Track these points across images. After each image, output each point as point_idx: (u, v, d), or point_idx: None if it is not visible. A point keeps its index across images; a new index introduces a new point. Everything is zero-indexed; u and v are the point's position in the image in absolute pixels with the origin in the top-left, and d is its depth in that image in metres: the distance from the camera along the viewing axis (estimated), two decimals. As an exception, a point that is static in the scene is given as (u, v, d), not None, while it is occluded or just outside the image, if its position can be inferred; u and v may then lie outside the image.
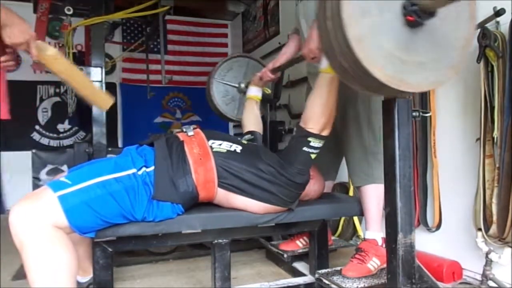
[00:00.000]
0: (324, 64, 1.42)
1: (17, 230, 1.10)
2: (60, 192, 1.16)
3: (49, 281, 1.10)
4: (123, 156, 1.36)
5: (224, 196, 1.43)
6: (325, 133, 1.44)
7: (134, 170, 1.28)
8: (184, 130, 1.50)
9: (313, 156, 1.44)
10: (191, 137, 1.45)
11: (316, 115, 1.43)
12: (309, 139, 1.42)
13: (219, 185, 1.40)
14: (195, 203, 1.42)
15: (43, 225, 1.11)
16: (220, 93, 2.31)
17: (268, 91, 2.20)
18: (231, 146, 1.46)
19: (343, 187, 2.56)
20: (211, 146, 1.43)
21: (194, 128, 1.52)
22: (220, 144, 1.45)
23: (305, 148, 1.42)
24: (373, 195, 1.66)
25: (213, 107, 2.33)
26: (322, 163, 1.84)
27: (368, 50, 0.91)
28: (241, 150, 1.47)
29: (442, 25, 1.00)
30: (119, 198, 1.22)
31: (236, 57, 2.43)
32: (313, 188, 1.65)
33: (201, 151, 1.40)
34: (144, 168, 1.31)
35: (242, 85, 2.27)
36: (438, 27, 0.99)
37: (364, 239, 1.72)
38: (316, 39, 1.54)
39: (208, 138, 1.47)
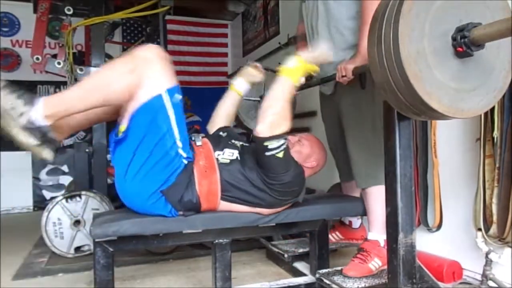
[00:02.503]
0: (291, 63, 1.40)
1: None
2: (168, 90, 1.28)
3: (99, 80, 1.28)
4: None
5: (227, 208, 1.46)
6: (278, 131, 1.36)
7: (180, 145, 1.34)
8: (193, 138, 1.49)
9: (280, 154, 1.37)
10: (199, 147, 1.45)
11: (266, 113, 1.38)
12: (265, 143, 1.35)
13: (222, 198, 1.42)
14: (196, 213, 1.43)
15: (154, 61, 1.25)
16: (244, 109, 2.30)
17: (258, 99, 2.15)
18: (232, 154, 1.47)
19: (343, 187, 2.56)
20: (217, 159, 1.44)
21: (202, 137, 1.52)
22: (223, 154, 1.46)
23: (267, 153, 1.36)
24: (378, 197, 1.64)
25: (239, 122, 2.35)
26: (341, 164, 1.92)
27: (425, 84, 0.98)
28: (239, 156, 1.47)
29: (486, 53, 1.04)
30: (162, 144, 1.30)
31: None
32: (319, 170, 1.68)
33: (207, 164, 1.41)
34: (182, 152, 1.35)
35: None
36: (483, 55, 1.04)
37: (367, 240, 1.72)
38: (359, 62, 1.55)
39: (214, 149, 1.47)
